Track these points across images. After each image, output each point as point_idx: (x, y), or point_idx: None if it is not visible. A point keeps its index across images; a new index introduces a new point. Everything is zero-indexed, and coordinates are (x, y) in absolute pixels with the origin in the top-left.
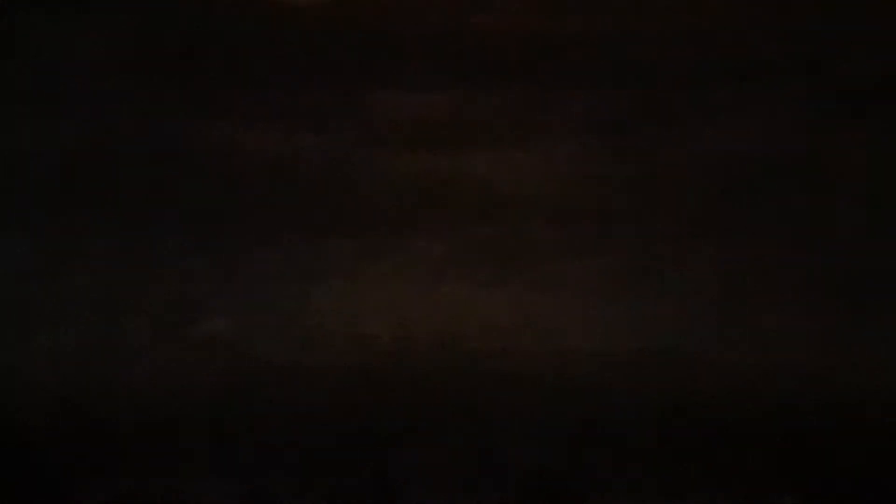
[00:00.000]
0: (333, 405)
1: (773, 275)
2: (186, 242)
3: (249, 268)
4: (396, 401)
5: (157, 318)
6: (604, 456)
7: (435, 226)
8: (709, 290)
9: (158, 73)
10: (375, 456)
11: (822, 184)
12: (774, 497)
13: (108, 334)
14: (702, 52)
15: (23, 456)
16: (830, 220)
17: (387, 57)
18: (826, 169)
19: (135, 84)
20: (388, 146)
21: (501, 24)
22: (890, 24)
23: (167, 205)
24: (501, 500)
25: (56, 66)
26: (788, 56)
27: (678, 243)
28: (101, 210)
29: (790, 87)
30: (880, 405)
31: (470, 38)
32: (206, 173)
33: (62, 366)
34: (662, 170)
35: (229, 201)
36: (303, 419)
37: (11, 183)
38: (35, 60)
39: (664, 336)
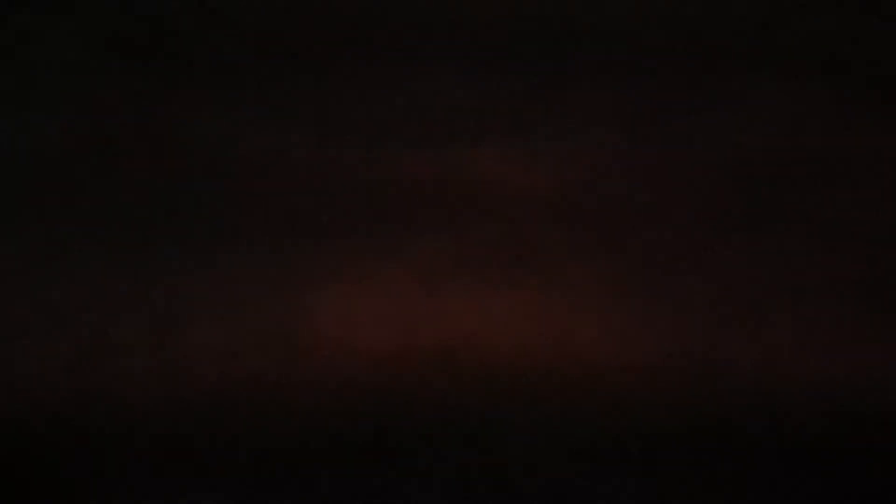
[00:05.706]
0: (331, 417)
1: (799, 278)
2: (175, 247)
3: (240, 273)
4: (397, 413)
5: (146, 326)
6: (620, 470)
7: (437, 227)
8: (730, 294)
9: (139, 67)
10: (377, 471)
11: (847, 180)
12: None
13: (96, 343)
14: (717, 41)
15: (7, 467)
16: (858, 220)
17: (381, 44)
18: (852, 164)
19: (114, 78)
20: (386, 142)
21: (506, 7)
22: None
23: (156, 208)
24: None
25: (36, 63)
26: (809, 45)
27: (698, 244)
28: (86, 214)
29: (810, 78)
30: None
31: (473, 24)
32: (194, 174)
33: (47, 375)
34: (679, 166)
35: (219, 204)
36: (298, 433)
37: None
38: (20, 58)
39: (682, 343)
